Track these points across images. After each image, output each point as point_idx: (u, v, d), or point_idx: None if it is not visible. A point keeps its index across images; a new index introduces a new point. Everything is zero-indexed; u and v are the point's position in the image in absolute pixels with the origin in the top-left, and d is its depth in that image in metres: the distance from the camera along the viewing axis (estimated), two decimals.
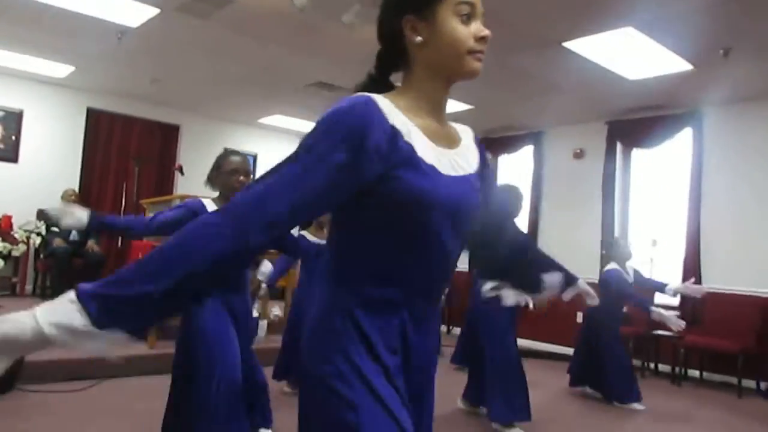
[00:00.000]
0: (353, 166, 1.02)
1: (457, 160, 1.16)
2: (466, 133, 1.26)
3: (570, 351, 6.67)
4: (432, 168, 1.09)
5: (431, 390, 1.26)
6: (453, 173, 1.13)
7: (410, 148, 1.07)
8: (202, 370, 2.49)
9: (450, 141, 1.19)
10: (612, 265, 4.90)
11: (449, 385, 4.33)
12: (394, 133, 1.06)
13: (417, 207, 1.06)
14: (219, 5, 4.61)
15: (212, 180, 2.81)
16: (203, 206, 2.69)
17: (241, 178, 2.70)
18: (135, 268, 0.93)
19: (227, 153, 2.82)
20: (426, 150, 1.10)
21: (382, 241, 1.09)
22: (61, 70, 6.75)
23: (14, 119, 7.18)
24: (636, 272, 4.98)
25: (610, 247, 5.22)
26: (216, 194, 2.84)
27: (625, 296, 4.81)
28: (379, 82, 1.20)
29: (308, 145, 1.03)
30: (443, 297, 4.03)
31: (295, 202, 1.00)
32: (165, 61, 6.25)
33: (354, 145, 1.01)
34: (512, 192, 3.93)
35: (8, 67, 6.79)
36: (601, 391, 4.89)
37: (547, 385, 5.18)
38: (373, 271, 1.11)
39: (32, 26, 5.38)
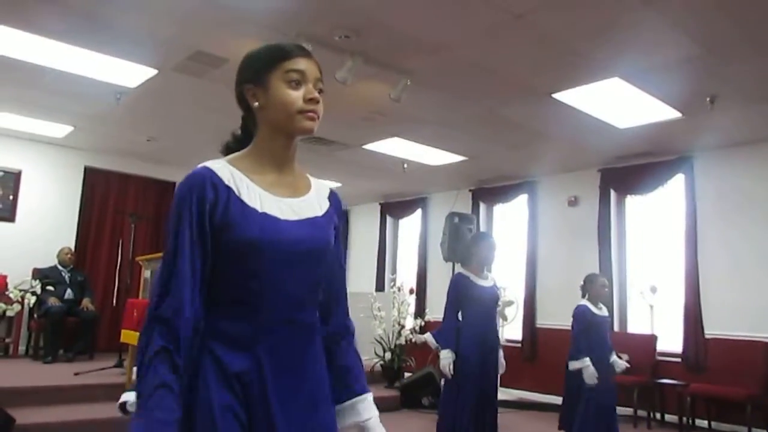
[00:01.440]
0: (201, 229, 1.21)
1: (300, 206, 1.31)
2: (320, 187, 1.41)
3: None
4: (265, 215, 1.24)
5: (314, 419, 1.28)
6: (294, 217, 1.28)
7: (241, 203, 1.23)
8: None
9: (294, 190, 1.34)
10: (582, 301, 4.58)
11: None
12: (229, 193, 1.23)
13: (250, 251, 1.21)
14: (215, 65, 4.72)
15: None
16: None
17: None
18: None
19: None
20: (261, 201, 1.26)
21: (230, 281, 1.23)
22: (60, 130, 6.84)
23: (12, 179, 7.23)
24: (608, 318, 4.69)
25: (585, 283, 4.74)
26: None
27: (573, 336, 4.43)
28: (243, 141, 1.39)
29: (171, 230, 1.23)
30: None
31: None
32: (162, 120, 6.35)
33: (196, 212, 1.21)
34: (485, 242, 3.97)
35: (8, 129, 6.89)
36: None
37: None
38: (226, 308, 1.23)
39: (32, 88, 5.49)
